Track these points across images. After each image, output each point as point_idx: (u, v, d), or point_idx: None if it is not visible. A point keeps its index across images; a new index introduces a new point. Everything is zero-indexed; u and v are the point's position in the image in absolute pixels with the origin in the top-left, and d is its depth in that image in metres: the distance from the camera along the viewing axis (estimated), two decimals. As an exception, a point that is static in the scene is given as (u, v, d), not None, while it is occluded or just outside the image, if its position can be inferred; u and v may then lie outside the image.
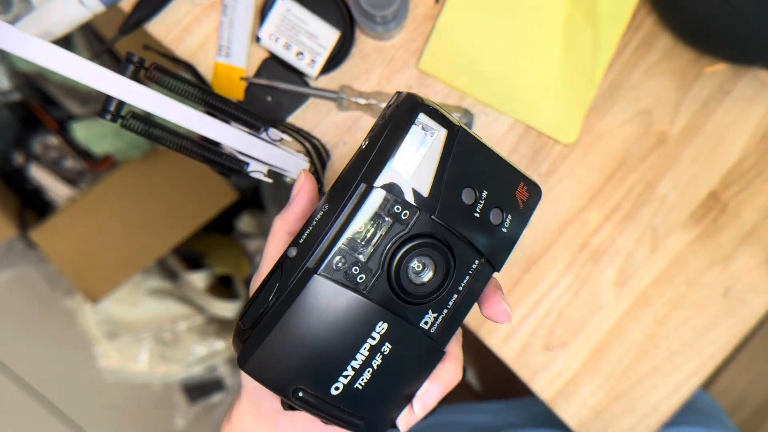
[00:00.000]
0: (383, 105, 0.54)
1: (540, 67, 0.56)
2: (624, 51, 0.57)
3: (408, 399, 0.31)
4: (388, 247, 0.28)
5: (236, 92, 0.55)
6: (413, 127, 0.28)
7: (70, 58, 0.41)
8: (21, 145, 1.13)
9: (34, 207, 1.15)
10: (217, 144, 0.49)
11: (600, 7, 0.56)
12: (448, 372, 0.31)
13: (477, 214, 0.30)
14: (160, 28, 0.55)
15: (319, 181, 0.53)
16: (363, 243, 0.28)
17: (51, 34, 0.50)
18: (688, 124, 0.58)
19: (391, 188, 0.28)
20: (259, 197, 1.26)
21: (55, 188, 1.14)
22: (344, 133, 0.56)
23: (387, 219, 0.28)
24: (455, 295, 0.30)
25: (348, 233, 0.28)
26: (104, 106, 0.44)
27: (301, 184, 0.33)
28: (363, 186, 0.28)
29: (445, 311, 0.30)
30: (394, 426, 0.32)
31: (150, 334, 1.19)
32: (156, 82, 0.45)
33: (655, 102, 0.57)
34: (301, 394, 0.28)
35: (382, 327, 0.29)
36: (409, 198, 0.28)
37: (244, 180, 1.15)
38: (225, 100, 0.48)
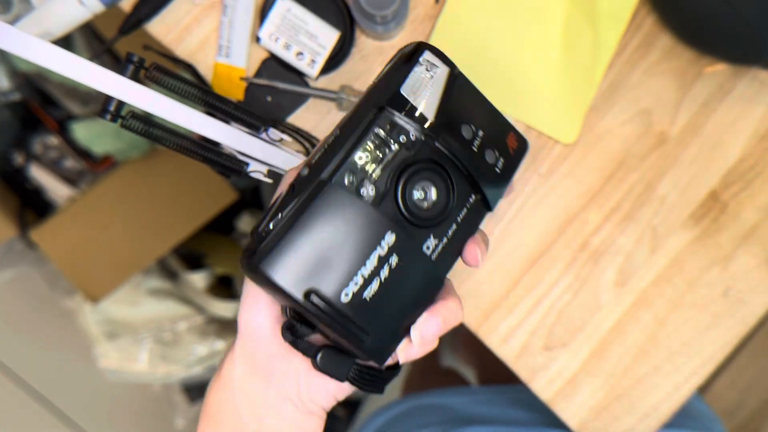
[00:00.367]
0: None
1: (540, 67, 0.56)
2: (624, 51, 0.57)
3: (408, 330, 0.32)
4: (395, 167, 0.30)
5: (236, 92, 0.55)
6: (420, 60, 0.31)
7: (70, 58, 0.41)
8: (21, 145, 1.13)
9: (34, 207, 1.15)
10: (217, 144, 0.49)
11: (600, 7, 0.56)
12: (449, 309, 0.32)
13: (474, 149, 0.33)
14: (160, 28, 0.55)
15: None
16: (372, 162, 0.30)
17: (51, 34, 0.50)
18: (688, 124, 0.58)
19: (400, 111, 0.30)
20: (259, 197, 1.26)
21: (55, 188, 1.14)
22: (344, 133, 0.56)
23: (395, 140, 0.31)
24: (454, 225, 0.32)
25: (359, 151, 0.30)
26: (104, 106, 0.44)
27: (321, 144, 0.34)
28: (374, 110, 0.30)
29: (445, 239, 0.32)
30: (397, 367, 0.34)
31: (150, 334, 1.19)
32: (156, 82, 0.45)
33: (655, 102, 0.57)
34: (313, 296, 0.28)
35: (390, 237, 0.30)
36: (416, 122, 0.31)
37: (244, 180, 1.15)
38: (225, 100, 0.48)
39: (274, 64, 0.55)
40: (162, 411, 1.35)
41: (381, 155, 0.30)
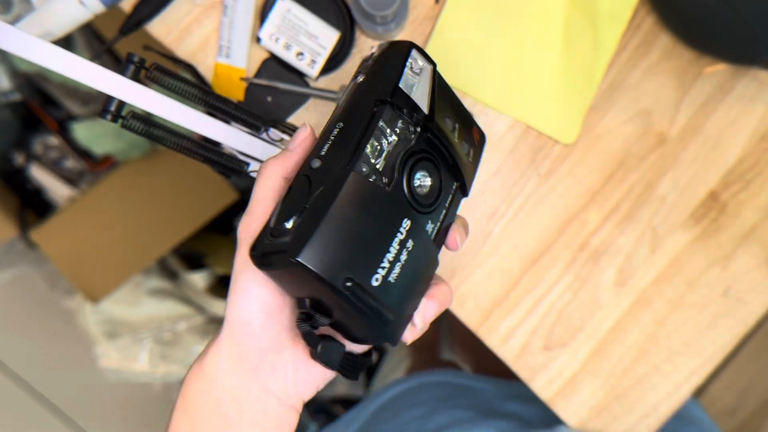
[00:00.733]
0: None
1: (540, 67, 0.56)
2: (624, 51, 0.57)
3: (410, 318, 0.33)
4: (401, 157, 0.32)
5: (236, 92, 0.55)
6: (410, 59, 0.34)
7: (71, 59, 0.41)
8: (21, 145, 1.13)
9: (35, 207, 1.16)
10: (217, 144, 0.49)
11: (600, 7, 0.56)
12: (443, 292, 0.35)
13: (456, 140, 0.35)
14: (161, 28, 0.55)
15: None
16: (379, 152, 0.31)
17: (51, 35, 0.50)
18: (687, 124, 0.58)
19: (402, 105, 0.32)
20: (260, 197, 1.26)
21: (56, 188, 1.14)
22: (344, 133, 0.56)
23: (398, 131, 0.32)
24: (443, 210, 0.35)
25: (370, 142, 0.31)
26: (105, 106, 0.44)
27: (304, 137, 0.34)
28: (377, 103, 0.32)
29: (438, 224, 0.34)
30: (370, 354, 0.36)
31: (150, 334, 1.19)
32: (156, 83, 0.45)
33: (655, 102, 0.57)
34: (349, 284, 0.29)
35: (406, 223, 0.31)
36: (415, 115, 0.33)
37: (245, 180, 1.15)
38: (225, 100, 0.48)
39: (275, 65, 0.55)
40: (162, 411, 1.35)
41: (385, 145, 0.32)
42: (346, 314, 0.31)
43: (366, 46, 0.56)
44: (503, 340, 0.59)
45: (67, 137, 1.11)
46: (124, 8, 0.54)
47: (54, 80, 1.06)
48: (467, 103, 0.57)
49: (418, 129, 0.33)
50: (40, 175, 1.13)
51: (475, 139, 0.38)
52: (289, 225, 0.29)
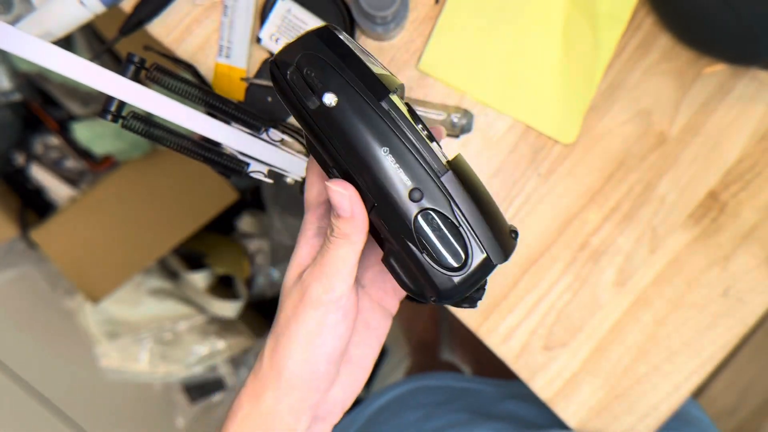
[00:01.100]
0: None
1: (540, 67, 0.56)
2: (623, 51, 0.57)
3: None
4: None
5: (237, 93, 0.55)
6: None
7: (71, 59, 0.42)
8: (22, 145, 1.13)
9: (35, 207, 1.16)
10: (217, 144, 0.49)
11: (600, 8, 0.56)
12: None
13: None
14: (161, 28, 0.55)
15: None
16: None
17: (52, 35, 0.50)
18: (687, 124, 0.58)
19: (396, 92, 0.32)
20: (260, 197, 1.26)
21: (56, 188, 1.14)
22: (344, 133, 0.56)
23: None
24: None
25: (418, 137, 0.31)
26: (105, 106, 0.44)
27: (358, 223, 0.32)
28: (387, 101, 0.31)
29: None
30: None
31: (150, 334, 1.19)
32: (157, 83, 0.45)
33: (655, 102, 0.57)
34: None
35: None
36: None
37: (245, 180, 1.15)
38: (225, 100, 0.48)
39: (275, 65, 0.55)
40: (162, 411, 1.35)
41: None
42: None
43: (366, 46, 0.56)
44: (503, 340, 0.59)
45: (67, 137, 1.11)
46: (125, 8, 0.54)
47: (54, 80, 1.06)
48: (467, 103, 0.57)
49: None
50: (40, 175, 1.13)
51: None
52: (470, 252, 0.31)
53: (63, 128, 1.12)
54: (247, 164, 0.49)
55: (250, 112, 0.49)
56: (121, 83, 0.43)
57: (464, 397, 0.74)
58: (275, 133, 0.50)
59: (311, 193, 0.36)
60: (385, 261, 0.33)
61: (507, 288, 0.59)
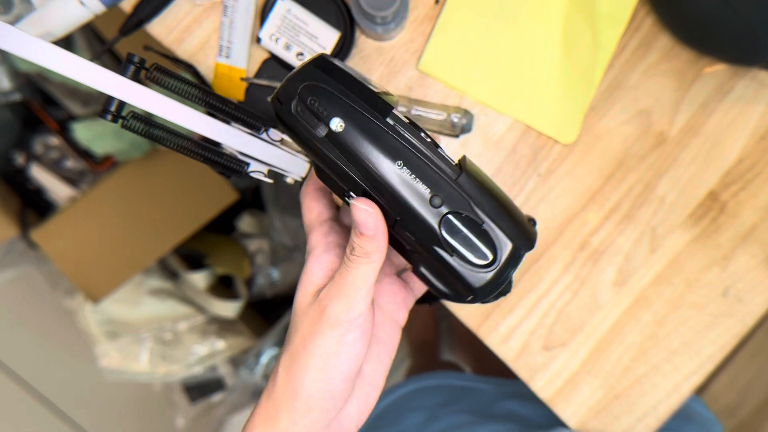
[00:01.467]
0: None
1: (540, 67, 0.56)
2: (623, 51, 0.57)
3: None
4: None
5: (237, 93, 0.55)
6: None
7: (71, 59, 0.42)
8: (22, 145, 1.13)
9: (35, 207, 1.16)
10: (217, 144, 0.49)
11: (599, 8, 0.56)
12: None
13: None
14: (161, 28, 0.55)
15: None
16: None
17: (52, 35, 0.50)
18: (687, 124, 0.58)
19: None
20: (260, 197, 1.26)
21: (56, 188, 1.14)
22: (344, 133, 0.56)
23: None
24: None
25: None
26: (105, 106, 0.44)
27: (378, 244, 0.32)
28: (392, 116, 0.32)
29: None
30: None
31: (150, 334, 1.19)
32: (156, 83, 0.45)
33: (655, 102, 0.57)
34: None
35: None
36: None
37: (245, 180, 1.15)
38: (225, 100, 0.48)
39: (275, 65, 0.55)
40: (162, 411, 1.35)
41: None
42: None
43: (366, 46, 0.56)
44: (503, 340, 0.59)
45: (67, 137, 1.11)
46: (125, 8, 0.54)
47: (54, 80, 1.06)
48: (467, 104, 0.57)
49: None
50: (40, 175, 1.13)
51: None
52: (497, 248, 0.32)
53: (63, 128, 1.12)
54: (247, 164, 0.49)
55: (250, 112, 0.49)
56: (121, 83, 0.43)
57: (465, 397, 0.74)
58: (275, 133, 0.50)
59: (311, 216, 0.36)
60: (416, 272, 0.33)
61: (507, 288, 0.59)
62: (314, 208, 0.36)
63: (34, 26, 0.49)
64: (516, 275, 0.59)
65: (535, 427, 0.64)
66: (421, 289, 0.40)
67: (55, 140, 1.13)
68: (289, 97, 0.31)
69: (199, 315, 1.21)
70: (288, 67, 0.54)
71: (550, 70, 0.56)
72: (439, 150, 0.32)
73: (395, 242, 0.34)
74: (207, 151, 0.48)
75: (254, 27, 0.54)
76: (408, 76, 0.56)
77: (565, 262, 0.59)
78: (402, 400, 0.75)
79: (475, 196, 0.31)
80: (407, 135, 0.31)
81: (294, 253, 1.22)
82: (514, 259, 0.32)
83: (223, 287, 1.24)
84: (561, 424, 0.61)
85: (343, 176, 0.32)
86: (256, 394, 1.17)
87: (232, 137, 0.47)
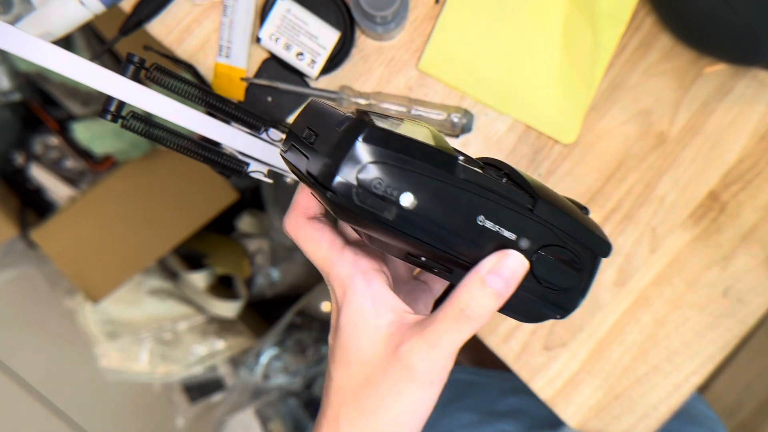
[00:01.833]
0: (384, 106, 0.54)
1: (540, 67, 0.56)
2: (623, 51, 0.57)
3: None
4: None
5: (236, 92, 0.55)
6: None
7: (71, 59, 0.42)
8: (22, 145, 1.13)
9: (35, 207, 1.16)
10: (217, 144, 0.49)
11: (600, 8, 0.56)
12: None
13: None
14: (161, 28, 0.55)
15: None
16: None
17: (51, 35, 0.50)
18: (687, 124, 0.58)
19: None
20: (260, 197, 1.26)
21: (56, 188, 1.14)
22: (344, 133, 0.56)
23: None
24: None
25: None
26: (105, 106, 0.44)
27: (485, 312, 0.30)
28: (458, 167, 0.29)
29: None
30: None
31: (150, 334, 1.19)
32: (156, 83, 0.45)
33: (655, 102, 0.57)
34: None
35: None
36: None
37: (245, 180, 1.15)
38: (225, 100, 0.48)
39: (275, 65, 0.55)
40: (162, 411, 1.35)
41: None
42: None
43: (366, 46, 0.56)
44: (503, 340, 0.59)
45: (67, 137, 1.11)
46: (124, 8, 0.54)
47: (54, 80, 1.06)
48: (467, 104, 0.57)
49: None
50: (40, 175, 1.13)
51: None
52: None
53: (63, 128, 1.12)
54: (247, 164, 0.49)
55: (249, 112, 0.49)
56: (121, 83, 0.43)
57: (470, 393, 0.73)
58: (275, 133, 0.50)
59: (321, 248, 0.31)
60: (503, 311, 0.32)
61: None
62: (322, 239, 0.31)
63: (34, 26, 0.49)
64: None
65: (540, 426, 0.64)
66: (440, 288, 0.39)
67: (54, 140, 1.13)
68: (347, 188, 0.26)
69: (198, 315, 1.21)
70: (288, 66, 0.54)
71: (550, 70, 0.56)
72: (504, 181, 0.30)
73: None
74: (207, 151, 0.48)
75: (254, 27, 0.54)
76: (408, 76, 0.56)
77: (565, 262, 0.59)
78: None
79: (554, 222, 0.30)
80: (479, 181, 0.28)
81: (294, 253, 1.22)
82: (596, 266, 0.31)
83: (223, 287, 1.24)
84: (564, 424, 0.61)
85: (419, 247, 0.29)
86: (255, 394, 1.17)
87: (232, 137, 0.47)
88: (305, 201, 0.32)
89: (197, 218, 1.09)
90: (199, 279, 1.19)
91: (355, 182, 0.26)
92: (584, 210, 0.34)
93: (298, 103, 0.56)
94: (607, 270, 0.59)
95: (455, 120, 0.55)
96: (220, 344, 1.22)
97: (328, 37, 0.53)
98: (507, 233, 0.29)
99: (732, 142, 0.58)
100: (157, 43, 0.56)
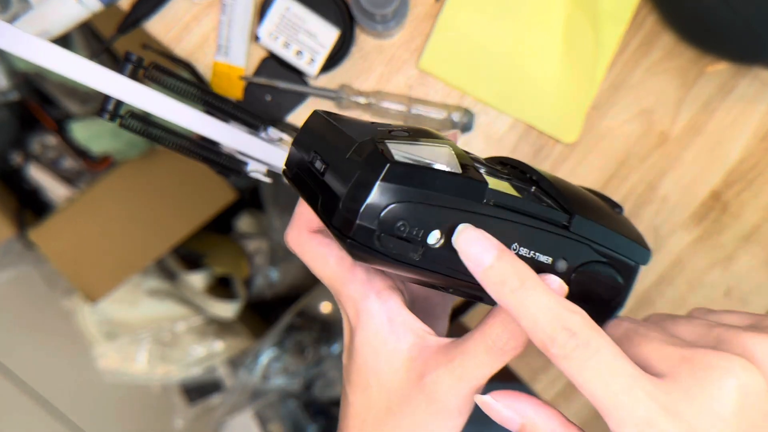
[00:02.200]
0: (384, 104, 0.53)
1: (541, 66, 0.56)
2: (625, 50, 0.57)
3: None
4: None
5: (235, 91, 0.54)
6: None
7: (69, 58, 0.41)
8: (19, 144, 1.13)
9: (33, 207, 1.15)
10: (216, 144, 0.49)
11: (601, 7, 0.56)
12: None
13: None
14: (159, 27, 0.55)
15: None
16: None
17: (49, 33, 0.50)
18: (689, 123, 0.57)
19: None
20: (259, 197, 1.26)
21: (54, 188, 1.13)
22: (344, 132, 0.56)
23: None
24: None
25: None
26: (103, 105, 0.44)
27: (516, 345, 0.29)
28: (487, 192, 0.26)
29: None
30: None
31: (149, 335, 1.18)
32: (155, 82, 0.45)
33: (657, 101, 0.57)
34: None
35: None
36: None
37: (244, 180, 1.14)
38: (224, 99, 0.48)
39: (274, 63, 0.54)
40: (161, 412, 1.35)
41: None
42: None
43: (366, 44, 0.55)
44: (504, 341, 0.59)
45: (65, 137, 1.11)
46: (123, 6, 0.54)
47: (52, 79, 1.05)
48: (467, 103, 0.56)
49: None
50: (38, 174, 1.13)
51: None
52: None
53: (61, 127, 1.11)
54: (246, 163, 0.49)
55: (248, 111, 0.49)
56: (119, 82, 0.43)
57: None
58: (274, 132, 0.50)
59: (328, 264, 0.29)
60: None
61: (508, 288, 0.59)
62: (329, 255, 0.29)
63: (32, 25, 0.49)
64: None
65: None
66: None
67: (52, 139, 1.13)
68: (368, 233, 0.24)
69: (197, 315, 1.21)
70: (287, 65, 0.54)
71: (551, 69, 0.55)
72: (533, 190, 0.28)
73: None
74: (205, 150, 0.48)
75: (253, 25, 0.54)
76: (408, 75, 0.56)
77: (566, 262, 0.58)
78: None
79: (591, 236, 0.28)
80: (509, 204, 0.26)
81: (293, 254, 1.22)
82: (635, 275, 0.30)
83: (222, 288, 1.24)
84: None
85: (447, 282, 0.27)
86: (254, 396, 1.16)
87: (230, 136, 0.47)
88: (308, 213, 0.30)
89: (196, 218, 1.09)
90: (197, 279, 1.18)
91: (376, 228, 0.24)
92: (618, 209, 0.32)
93: (298, 101, 0.55)
94: (608, 270, 0.58)
95: (456, 119, 0.54)
96: (218, 345, 1.22)
97: (328, 35, 0.52)
98: (542, 257, 0.27)
99: (734, 142, 0.57)
100: (156, 41, 0.55)
